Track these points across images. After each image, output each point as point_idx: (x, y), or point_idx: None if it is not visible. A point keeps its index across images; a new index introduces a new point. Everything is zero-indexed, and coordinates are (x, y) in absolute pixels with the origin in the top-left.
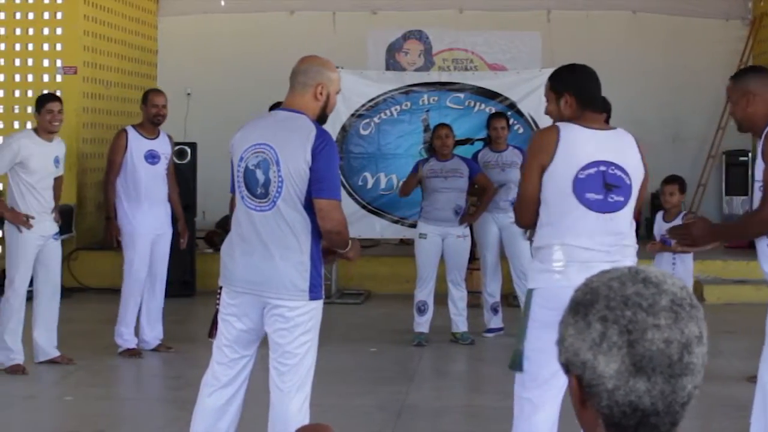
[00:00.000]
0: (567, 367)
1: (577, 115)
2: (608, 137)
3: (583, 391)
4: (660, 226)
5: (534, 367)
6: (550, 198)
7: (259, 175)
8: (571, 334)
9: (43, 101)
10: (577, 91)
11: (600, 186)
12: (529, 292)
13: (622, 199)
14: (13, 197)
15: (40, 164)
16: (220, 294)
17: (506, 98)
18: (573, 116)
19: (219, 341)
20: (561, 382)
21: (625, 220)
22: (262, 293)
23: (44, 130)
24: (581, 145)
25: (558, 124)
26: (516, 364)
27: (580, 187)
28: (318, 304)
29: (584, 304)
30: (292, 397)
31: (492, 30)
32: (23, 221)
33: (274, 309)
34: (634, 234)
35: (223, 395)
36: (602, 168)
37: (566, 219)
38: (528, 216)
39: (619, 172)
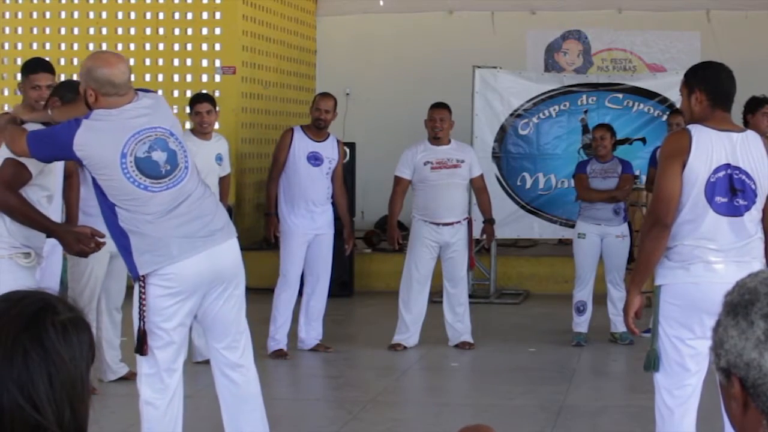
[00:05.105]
0: (728, 372)
1: (706, 114)
2: (737, 139)
3: (745, 394)
4: None
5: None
6: (681, 199)
7: None
8: (733, 336)
9: (192, 103)
10: (709, 88)
11: (726, 189)
12: (657, 289)
13: (746, 203)
14: None
15: (199, 164)
16: None
17: (665, 98)
18: (702, 114)
19: None
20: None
21: (750, 221)
22: None
23: (197, 131)
24: (713, 148)
25: (688, 127)
26: (652, 364)
27: (710, 190)
28: None
29: (743, 305)
30: None
31: (651, 30)
32: None
33: None
34: (762, 233)
35: None
36: (729, 171)
37: (695, 220)
38: (673, 213)
39: (744, 177)
